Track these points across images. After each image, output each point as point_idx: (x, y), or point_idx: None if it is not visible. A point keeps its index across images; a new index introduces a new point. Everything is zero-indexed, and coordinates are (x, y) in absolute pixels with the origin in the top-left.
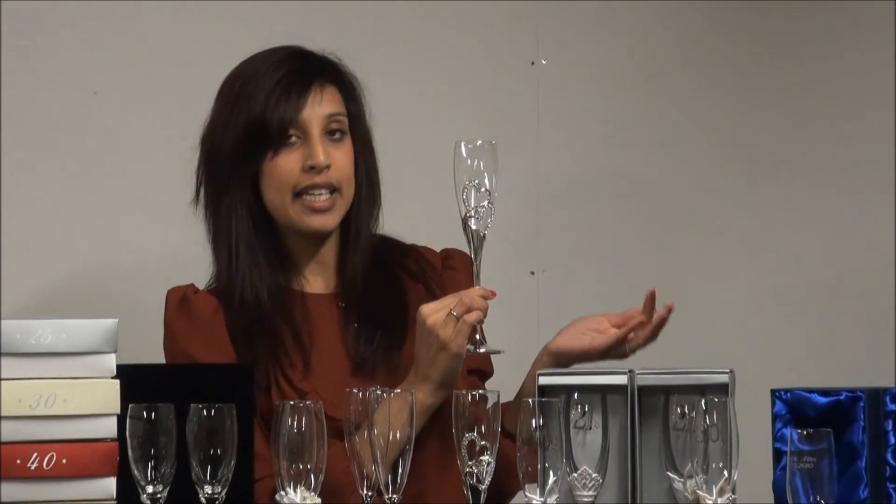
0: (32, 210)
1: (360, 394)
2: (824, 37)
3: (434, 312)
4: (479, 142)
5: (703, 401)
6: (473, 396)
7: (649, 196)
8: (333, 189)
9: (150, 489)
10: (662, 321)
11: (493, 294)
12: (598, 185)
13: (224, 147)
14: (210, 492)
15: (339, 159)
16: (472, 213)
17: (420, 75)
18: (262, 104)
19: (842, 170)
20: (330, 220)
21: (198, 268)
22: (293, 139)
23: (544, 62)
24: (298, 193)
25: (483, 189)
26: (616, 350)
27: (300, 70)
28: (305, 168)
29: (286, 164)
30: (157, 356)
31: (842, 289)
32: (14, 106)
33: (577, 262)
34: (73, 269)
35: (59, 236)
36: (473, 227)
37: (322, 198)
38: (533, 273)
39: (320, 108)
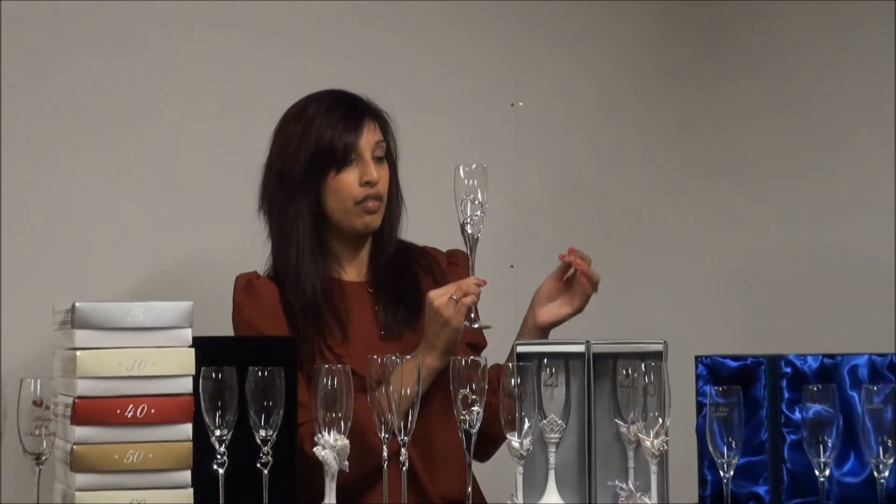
0: (131, 220)
1: (379, 359)
2: (758, 65)
3: (439, 296)
4: (474, 165)
5: (643, 364)
6: (467, 361)
7: (605, 204)
8: (380, 199)
9: (217, 432)
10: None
11: (485, 282)
12: (564, 196)
13: (296, 165)
14: (263, 434)
15: (383, 176)
16: (468, 220)
17: (427, 114)
18: (330, 133)
19: (752, 181)
20: (377, 220)
21: (254, 263)
22: (352, 160)
23: (521, 104)
24: (357, 203)
25: (477, 202)
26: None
27: (355, 108)
28: (362, 182)
29: (348, 180)
30: (222, 330)
31: (752, 276)
32: (113, 138)
33: (547, 257)
34: (161, 264)
35: (150, 240)
36: (469, 231)
37: (373, 203)
38: (512, 266)
39: (371, 136)
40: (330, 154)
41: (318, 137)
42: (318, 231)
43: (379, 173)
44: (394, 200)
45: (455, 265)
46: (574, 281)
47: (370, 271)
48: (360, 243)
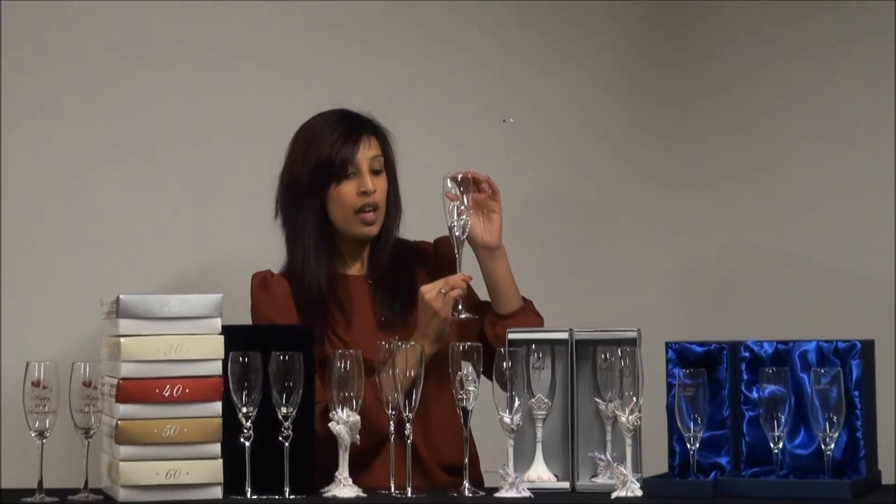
0: (168, 224)
1: (387, 344)
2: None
3: (430, 290)
4: (460, 175)
5: (619, 349)
6: (464, 346)
7: (586, 208)
8: (376, 207)
9: (244, 410)
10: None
11: (470, 278)
12: (549, 201)
13: (301, 178)
14: (284, 411)
15: (379, 187)
16: (455, 223)
17: (427, 131)
18: (328, 149)
19: (714, 189)
20: (374, 229)
21: (271, 262)
22: (350, 173)
23: (511, 120)
24: (356, 212)
25: (462, 206)
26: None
27: (353, 125)
28: (359, 193)
29: (347, 191)
30: (245, 319)
31: (715, 272)
32: (155, 152)
33: (533, 253)
34: (193, 262)
35: (184, 241)
36: (456, 233)
37: (370, 215)
38: None
39: (367, 151)
40: (329, 167)
41: (319, 152)
42: (325, 232)
43: (375, 184)
44: (391, 206)
45: (441, 255)
46: (479, 201)
47: (370, 266)
48: (363, 242)
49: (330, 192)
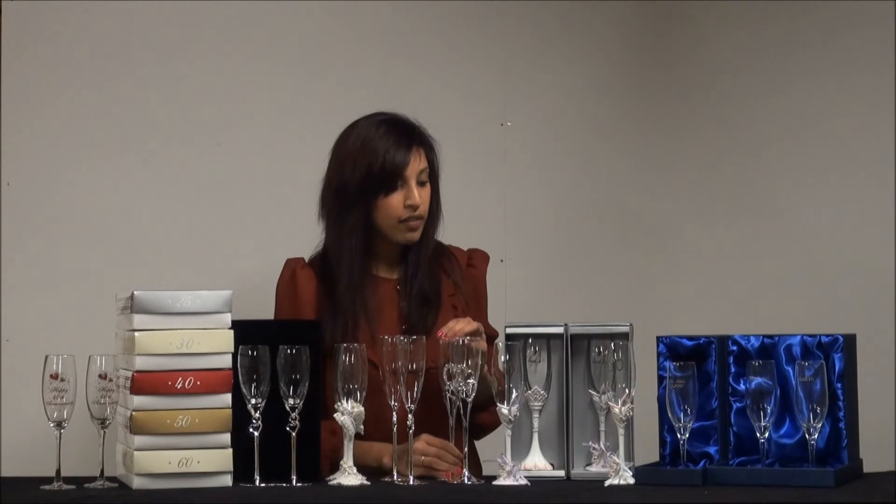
0: (182, 221)
1: (391, 339)
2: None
3: (431, 445)
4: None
5: (612, 343)
6: (464, 342)
7: (581, 207)
8: (421, 217)
9: (252, 401)
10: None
11: (462, 456)
12: (546, 201)
13: (350, 184)
14: (292, 402)
15: (424, 199)
16: (463, 389)
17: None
18: (381, 158)
19: (700, 186)
20: (417, 235)
21: (278, 260)
22: (398, 184)
23: (510, 124)
24: (401, 221)
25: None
26: None
27: (404, 136)
28: (406, 205)
29: (394, 203)
30: (255, 315)
31: (700, 268)
32: (164, 152)
33: (532, 252)
34: (205, 258)
35: (196, 238)
36: (452, 398)
37: (415, 223)
38: (503, 260)
39: (416, 165)
40: (380, 179)
41: (371, 161)
42: (368, 235)
43: (422, 196)
44: (434, 213)
45: (473, 267)
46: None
47: (401, 269)
48: (400, 247)
49: (378, 202)
